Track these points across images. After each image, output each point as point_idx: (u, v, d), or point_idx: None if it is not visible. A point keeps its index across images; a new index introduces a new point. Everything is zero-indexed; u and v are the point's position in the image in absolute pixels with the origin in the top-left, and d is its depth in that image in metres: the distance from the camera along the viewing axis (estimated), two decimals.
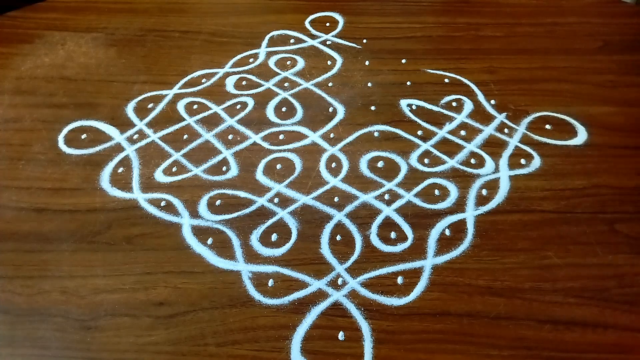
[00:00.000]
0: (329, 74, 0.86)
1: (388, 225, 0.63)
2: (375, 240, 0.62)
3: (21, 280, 0.59)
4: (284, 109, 0.79)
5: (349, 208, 0.65)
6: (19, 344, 0.53)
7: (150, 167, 0.71)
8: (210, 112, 0.79)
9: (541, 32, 0.94)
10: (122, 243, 0.62)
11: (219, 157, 0.72)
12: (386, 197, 0.67)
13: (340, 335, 0.53)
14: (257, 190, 0.68)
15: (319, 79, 0.85)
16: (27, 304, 0.56)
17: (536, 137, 0.74)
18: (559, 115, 0.77)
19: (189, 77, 0.85)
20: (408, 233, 0.62)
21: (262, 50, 0.91)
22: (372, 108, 0.79)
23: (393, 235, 0.62)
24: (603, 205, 0.65)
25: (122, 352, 0.52)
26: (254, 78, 0.85)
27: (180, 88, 0.83)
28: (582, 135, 0.74)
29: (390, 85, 0.83)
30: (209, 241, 0.62)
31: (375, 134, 0.75)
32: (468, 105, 0.79)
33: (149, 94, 0.82)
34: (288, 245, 0.61)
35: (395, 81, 0.84)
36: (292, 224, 0.64)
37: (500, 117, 0.77)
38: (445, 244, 0.61)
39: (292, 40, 0.93)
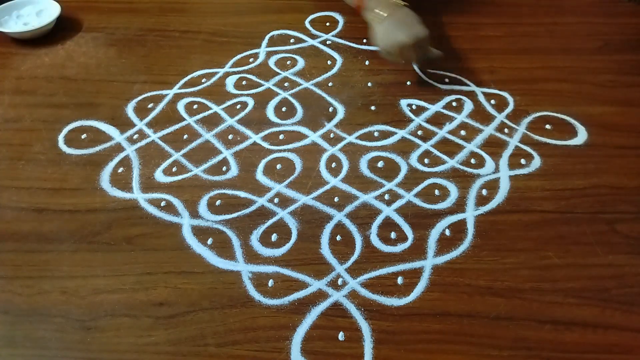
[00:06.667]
0: (329, 73, 0.86)
1: (388, 225, 0.63)
2: (375, 241, 0.62)
3: (21, 280, 0.59)
4: (284, 109, 0.79)
5: (349, 208, 0.65)
6: (19, 344, 0.53)
7: (150, 167, 0.71)
8: (210, 112, 0.79)
9: (541, 32, 0.94)
10: (122, 243, 0.62)
11: (219, 157, 0.72)
12: (386, 197, 0.66)
13: (340, 336, 0.53)
14: (257, 190, 0.67)
15: (319, 79, 0.85)
16: (27, 304, 0.56)
17: (536, 137, 0.74)
18: (559, 115, 0.77)
19: (189, 77, 0.85)
20: (408, 233, 0.62)
21: (262, 50, 0.91)
22: (372, 108, 0.79)
23: (393, 235, 0.62)
24: (603, 205, 0.65)
25: (122, 352, 0.52)
26: (254, 78, 0.85)
27: (180, 88, 0.83)
28: (582, 135, 0.74)
29: (390, 85, 0.83)
30: (209, 241, 0.62)
31: (375, 134, 0.75)
32: (468, 105, 0.79)
33: (149, 94, 0.82)
34: (288, 246, 0.61)
35: (395, 81, 0.84)
36: (292, 224, 0.64)
37: (500, 117, 0.77)
38: (445, 244, 0.61)
39: (292, 40, 0.93)
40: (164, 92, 0.82)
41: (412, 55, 0.79)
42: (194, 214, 0.65)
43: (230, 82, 0.84)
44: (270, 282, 0.58)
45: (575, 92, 0.81)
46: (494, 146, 0.73)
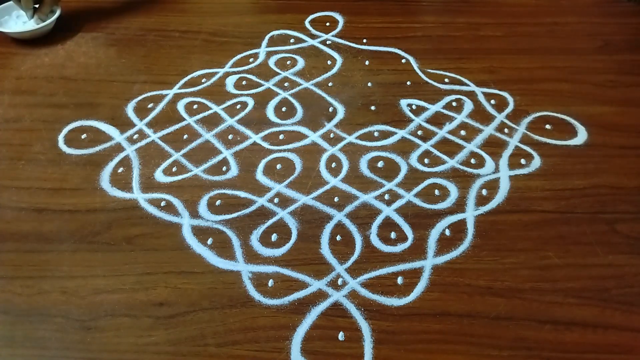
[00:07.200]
0: (329, 73, 0.86)
1: (388, 225, 0.63)
2: (375, 241, 0.62)
3: (21, 280, 0.59)
4: (284, 109, 0.79)
5: (349, 208, 0.65)
6: (19, 344, 0.53)
7: (150, 167, 0.71)
8: (210, 112, 0.79)
9: (541, 32, 0.94)
10: (122, 243, 0.62)
11: (219, 157, 0.72)
12: (386, 197, 0.66)
13: (340, 336, 0.53)
14: (257, 190, 0.68)
15: (319, 79, 0.85)
16: (27, 304, 0.56)
17: (536, 137, 0.74)
18: (559, 115, 0.77)
19: (189, 77, 0.85)
20: (408, 233, 0.62)
21: (262, 50, 0.91)
22: (372, 108, 0.79)
23: (393, 235, 0.62)
24: (603, 205, 0.65)
25: (122, 352, 0.52)
26: (254, 78, 0.85)
27: (180, 88, 0.83)
28: (582, 135, 0.74)
29: (390, 85, 0.83)
30: (209, 241, 0.62)
31: (375, 134, 0.75)
32: (468, 105, 0.79)
33: (149, 94, 0.82)
34: (288, 246, 0.61)
35: (395, 81, 0.84)
36: (292, 224, 0.64)
37: (500, 117, 0.77)
38: (445, 244, 0.61)
39: (292, 40, 0.93)
40: (164, 92, 0.82)
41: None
42: (194, 214, 0.65)
43: (230, 82, 0.84)
44: (270, 282, 0.58)
45: (575, 92, 0.81)
46: (494, 146, 0.73)
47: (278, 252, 0.61)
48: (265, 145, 0.74)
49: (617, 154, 0.72)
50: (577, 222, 0.63)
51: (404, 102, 0.80)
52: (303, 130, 0.76)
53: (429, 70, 0.86)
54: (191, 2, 1.03)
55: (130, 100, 0.81)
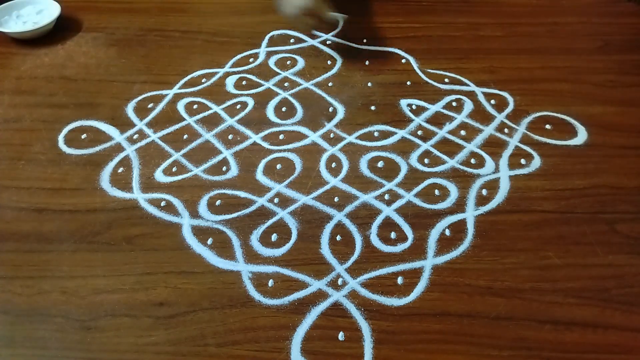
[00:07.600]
0: (329, 73, 0.86)
1: (388, 225, 0.63)
2: (375, 241, 0.62)
3: (21, 280, 0.59)
4: (284, 109, 0.79)
5: (349, 208, 0.65)
6: (19, 344, 0.53)
7: (150, 167, 0.71)
8: (210, 112, 0.79)
9: (541, 32, 0.94)
10: (122, 243, 0.62)
11: (219, 157, 0.72)
12: (386, 197, 0.66)
13: (340, 336, 0.53)
14: (257, 190, 0.67)
15: (319, 79, 0.85)
16: (27, 304, 0.56)
17: (536, 137, 0.74)
18: (559, 115, 0.77)
19: (189, 77, 0.85)
20: (408, 233, 0.62)
21: (262, 50, 0.91)
22: (372, 108, 0.79)
23: (393, 235, 0.62)
24: (603, 205, 0.65)
25: (122, 352, 0.52)
26: (254, 78, 0.85)
27: (180, 88, 0.83)
28: (582, 135, 0.74)
29: (390, 85, 0.83)
30: (209, 241, 0.62)
31: (375, 134, 0.75)
32: (468, 105, 0.79)
33: (149, 94, 0.82)
34: (288, 246, 0.61)
35: (395, 81, 0.84)
36: (292, 224, 0.64)
37: (500, 117, 0.77)
38: (445, 244, 0.61)
39: (292, 40, 0.93)
40: (164, 92, 0.82)
41: (309, 20, 0.85)
42: (194, 214, 0.65)
43: (230, 82, 0.84)
44: (270, 282, 0.58)
45: (575, 92, 0.81)
46: (494, 146, 0.73)
47: (278, 252, 0.61)
48: (265, 145, 0.74)
49: (617, 154, 0.72)
50: (577, 222, 0.63)
51: (404, 102, 0.80)
52: (303, 130, 0.76)
53: (429, 70, 0.86)
54: (191, 2, 1.03)
55: (130, 100, 0.81)
